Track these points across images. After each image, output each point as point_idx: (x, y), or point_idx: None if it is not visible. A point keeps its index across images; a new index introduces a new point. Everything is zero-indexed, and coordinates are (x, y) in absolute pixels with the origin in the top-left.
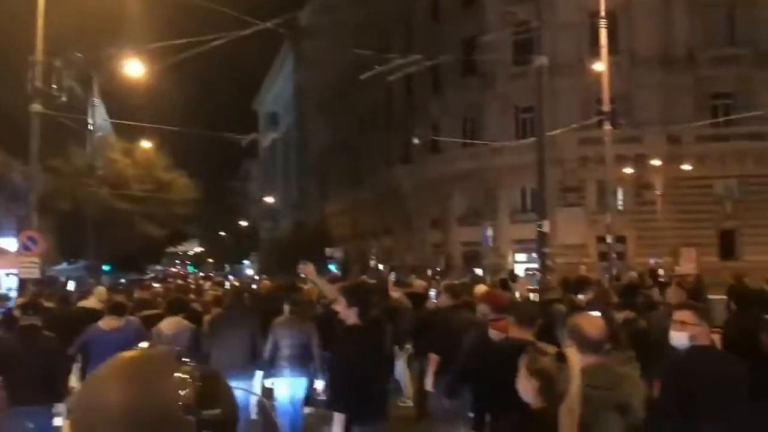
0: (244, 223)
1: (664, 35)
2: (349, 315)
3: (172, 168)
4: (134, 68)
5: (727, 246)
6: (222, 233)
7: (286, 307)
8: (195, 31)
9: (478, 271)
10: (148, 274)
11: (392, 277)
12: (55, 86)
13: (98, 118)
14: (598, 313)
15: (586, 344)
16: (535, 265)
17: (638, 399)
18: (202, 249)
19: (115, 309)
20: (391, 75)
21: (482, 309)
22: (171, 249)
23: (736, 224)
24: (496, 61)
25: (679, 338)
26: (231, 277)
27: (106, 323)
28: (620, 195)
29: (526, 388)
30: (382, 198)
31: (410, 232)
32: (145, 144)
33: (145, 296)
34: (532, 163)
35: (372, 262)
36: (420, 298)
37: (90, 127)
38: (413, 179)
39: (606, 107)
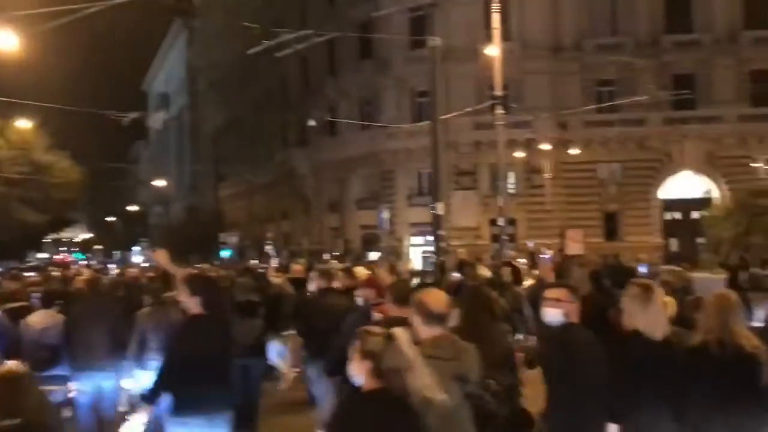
0: (134, 208)
1: (553, 23)
2: (191, 304)
3: (53, 149)
4: (5, 39)
5: (610, 227)
6: (111, 219)
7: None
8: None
9: (375, 255)
10: (29, 262)
11: (274, 263)
12: None
13: None
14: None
15: (430, 317)
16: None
17: (475, 371)
18: (91, 235)
19: None
20: (280, 51)
21: (365, 294)
22: (55, 236)
23: (618, 207)
24: (392, 45)
25: (552, 315)
26: (112, 266)
27: None
28: (512, 179)
29: (358, 369)
30: (279, 181)
31: (308, 216)
32: (23, 123)
33: (12, 287)
34: (428, 147)
35: (268, 247)
36: (300, 282)
37: None
38: (310, 162)
39: (498, 92)
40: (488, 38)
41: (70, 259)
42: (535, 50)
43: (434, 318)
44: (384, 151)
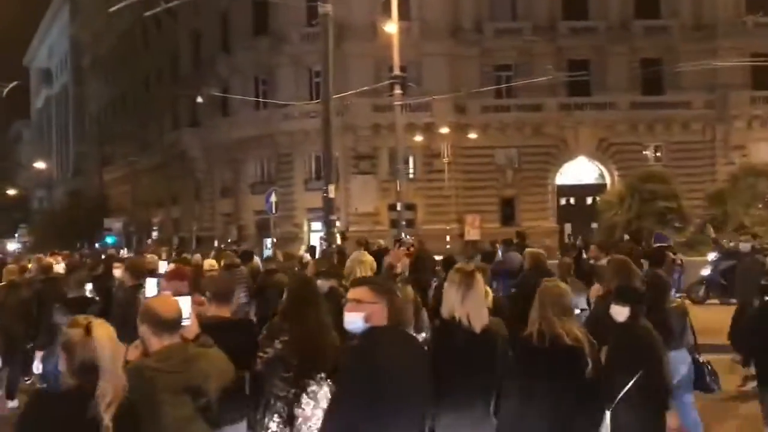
0: (12, 192)
1: (453, 5)
2: None
3: None
4: None
5: (507, 212)
6: None
7: None
8: None
9: (270, 241)
10: None
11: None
12: None
13: None
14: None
15: (158, 325)
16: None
17: (211, 381)
18: None
19: None
20: (149, 11)
21: (172, 287)
22: None
23: (515, 192)
24: (288, 21)
25: (351, 320)
26: None
27: None
28: (411, 163)
29: (61, 364)
30: (169, 164)
31: (198, 201)
32: None
33: None
34: None
35: (154, 233)
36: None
37: None
38: (202, 143)
39: (397, 71)
40: (387, 17)
41: None
42: (434, 31)
43: (163, 326)
44: (280, 133)
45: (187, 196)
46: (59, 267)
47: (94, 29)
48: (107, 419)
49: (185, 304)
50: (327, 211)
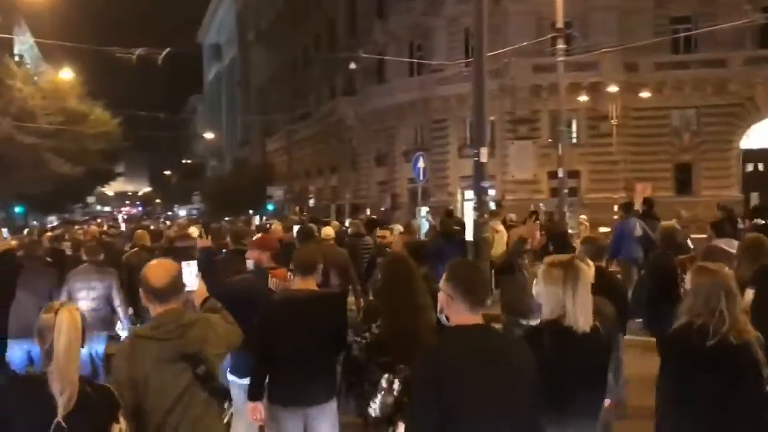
0: (187, 161)
1: None
2: None
3: (93, 99)
4: None
5: (683, 180)
6: (167, 172)
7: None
8: None
9: (422, 209)
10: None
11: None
12: None
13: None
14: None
15: (152, 293)
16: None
17: (211, 344)
18: (150, 189)
19: None
20: None
21: (255, 257)
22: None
23: (692, 157)
24: None
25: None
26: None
27: None
28: (574, 127)
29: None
30: (327, 133)
31: (355, 169)
32: (66, 74)
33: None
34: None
35: (311, 201)
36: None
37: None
38: (357, 112)
39: (560, 27)
40: None
41: (133, 212)
42: None
43: (154, 293)
44: (434, 98)
45: (344, 165)
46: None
47: (258, 3)
48: (61, 410)
49: (190, 269)
50: (478, 177)
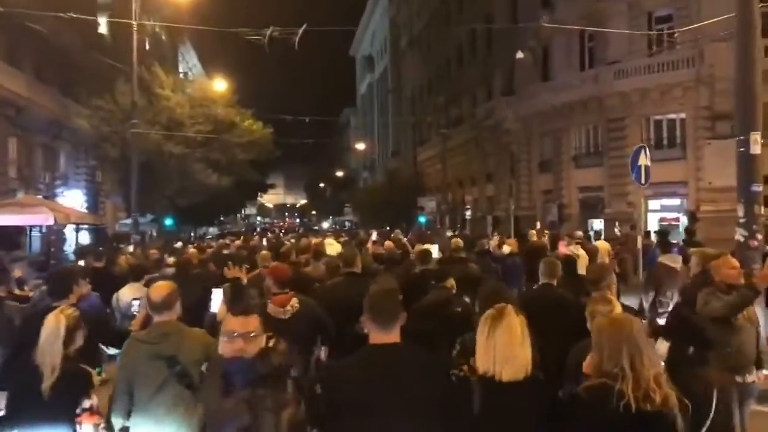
0: (340, 174)
1: None
2: None
3: (241, 108)
4: None
5: None
6: (322, 185)
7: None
8: None
9: (599, 223)
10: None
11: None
12: None
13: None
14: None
15: (152, 306)
16: (675, 214)
17: (189, 354)
18: (305, 201)
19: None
20: None
21: (266, 283)
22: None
23: None
24: None
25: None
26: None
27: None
28: None
29: None
30: (482, 138)
31: (515, 177)
32: (221, 85)
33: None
34: (669, 86)
35: (467, 212)
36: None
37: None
38: (517, 114)
39: None
40: None
41: (288, 224)
42: None
43: (155, 306)
44: (611, 95)
45: (502, 172)
46: None
47: (411, 8)
48: (47, 382)
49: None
50: (746, 178)
